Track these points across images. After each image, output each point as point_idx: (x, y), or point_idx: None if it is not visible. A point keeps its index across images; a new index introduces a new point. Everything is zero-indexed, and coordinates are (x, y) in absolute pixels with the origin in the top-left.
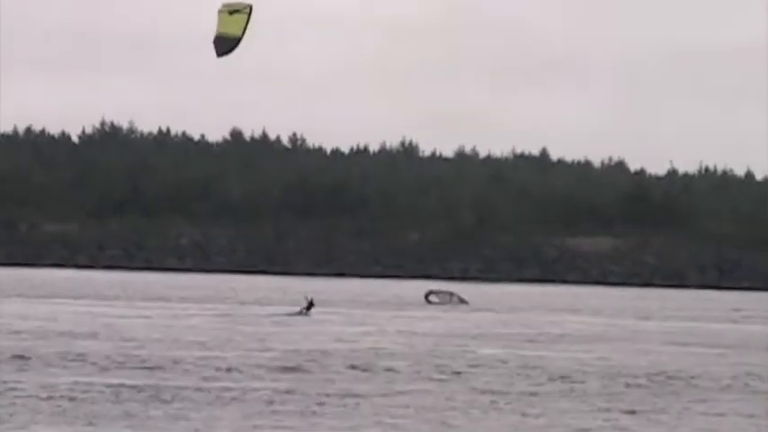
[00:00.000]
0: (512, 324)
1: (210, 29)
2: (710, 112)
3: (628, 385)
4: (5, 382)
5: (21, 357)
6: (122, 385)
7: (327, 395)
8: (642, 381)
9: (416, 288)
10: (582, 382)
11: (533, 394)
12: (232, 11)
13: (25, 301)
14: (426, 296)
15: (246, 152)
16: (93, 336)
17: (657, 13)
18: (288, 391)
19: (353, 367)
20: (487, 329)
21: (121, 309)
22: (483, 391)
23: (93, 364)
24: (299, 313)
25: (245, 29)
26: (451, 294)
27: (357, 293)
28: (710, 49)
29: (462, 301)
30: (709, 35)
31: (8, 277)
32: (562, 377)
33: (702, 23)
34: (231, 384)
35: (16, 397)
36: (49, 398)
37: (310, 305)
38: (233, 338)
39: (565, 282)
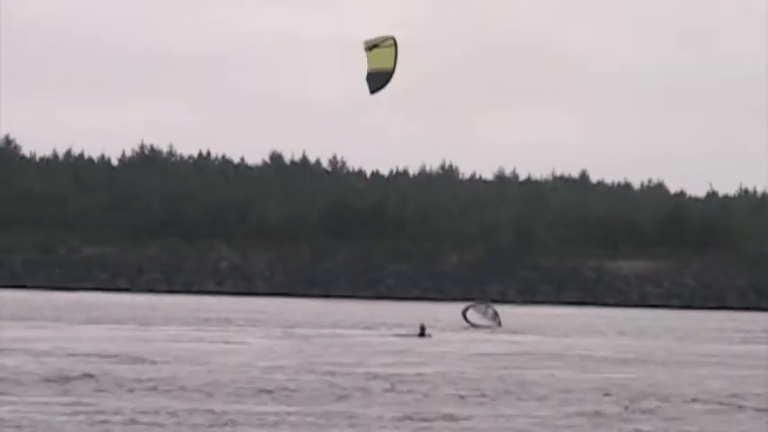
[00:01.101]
0: (565, 346)
1: (253, 52)
2: (750, 133)
3: (691, 409)
4: (63, 404)
5: (90, 376)
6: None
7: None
8: (707, 404)
9: (455, 311)
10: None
11: (620, 419)
12: (372, 46)
13: (93, 326)
14: (464, 312)
15: (286, 175)
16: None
17: (693, 33)
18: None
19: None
20: (540, 351)
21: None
22: (567, 414)
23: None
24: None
25: (395, 61)
26: (488, 305)
27: (397, 317)
28: (748, 69)
29: (496, 315)
30: (748, 54)
31: (47, 301)
32: (631, 398)
33: (740, 43)
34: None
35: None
36: (106, 422)
37: (423, 330)
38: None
39: (604, 304)
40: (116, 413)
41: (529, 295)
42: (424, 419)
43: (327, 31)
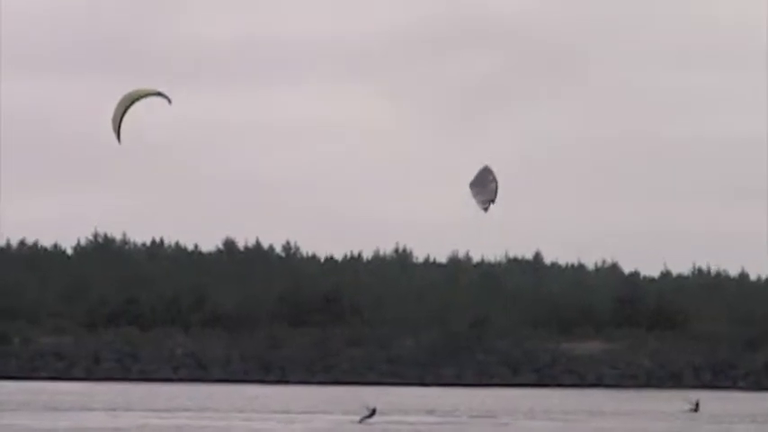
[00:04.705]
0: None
1: (202, 139)
2: (702, 212)
3: None
4: None
5: None
6: None
7: None
8: None
9: (412, 394)
10: None
11: None
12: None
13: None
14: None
15: (240, 261)
16: None
17: (644, 112)
18: None
19: None
20: None
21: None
22: None
23: None
24: (361, 421)
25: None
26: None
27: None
28: (698, 147)
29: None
30: (697, 131)
31: (3, 391)
32: None
33: (692, 119)
34: None
35: None
36: None
37: (372, 413)
38: None
39: (560, 386)
40: None
41: (485, 378)
42: None
43: (277, 115)
